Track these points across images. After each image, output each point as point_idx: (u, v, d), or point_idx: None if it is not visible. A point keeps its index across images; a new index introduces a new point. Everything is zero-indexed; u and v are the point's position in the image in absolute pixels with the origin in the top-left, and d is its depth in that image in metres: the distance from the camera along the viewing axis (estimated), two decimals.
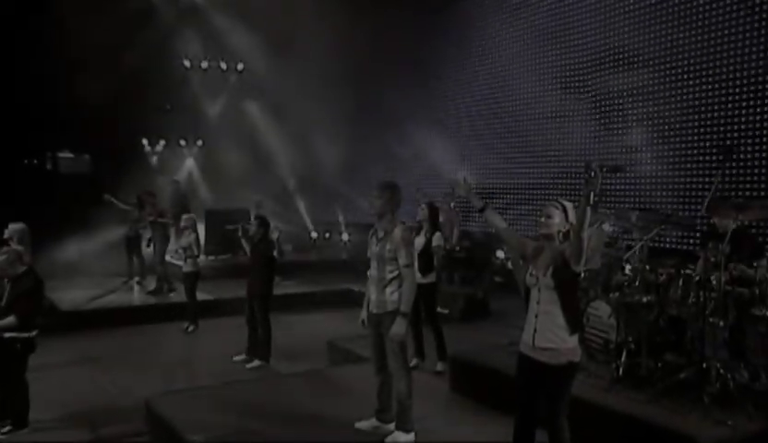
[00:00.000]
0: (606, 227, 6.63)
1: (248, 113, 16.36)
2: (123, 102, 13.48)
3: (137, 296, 11.16)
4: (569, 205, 4.03)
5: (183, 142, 16.79)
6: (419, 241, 6.82)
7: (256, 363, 7.59)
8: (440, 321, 6.94)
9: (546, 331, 3.88)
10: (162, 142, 16.62)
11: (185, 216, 9.68)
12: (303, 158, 15.40)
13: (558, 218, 3.98)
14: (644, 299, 5.46)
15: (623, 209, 6.91)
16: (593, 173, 3.62)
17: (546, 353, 3.87)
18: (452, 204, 9.00)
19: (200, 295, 9.67)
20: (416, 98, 13.60)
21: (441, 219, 7.27)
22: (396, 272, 4.86)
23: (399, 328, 4.76)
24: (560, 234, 3.98)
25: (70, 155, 15.98)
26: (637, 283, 5.63)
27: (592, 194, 3.64)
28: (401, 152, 13.44)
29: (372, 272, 5.00)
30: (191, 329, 9.30)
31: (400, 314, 4.78)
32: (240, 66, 16.47)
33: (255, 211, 11.26)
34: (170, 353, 8.34)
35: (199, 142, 16.92)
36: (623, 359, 5.37)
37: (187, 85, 15.90)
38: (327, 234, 16.25)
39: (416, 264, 6.61)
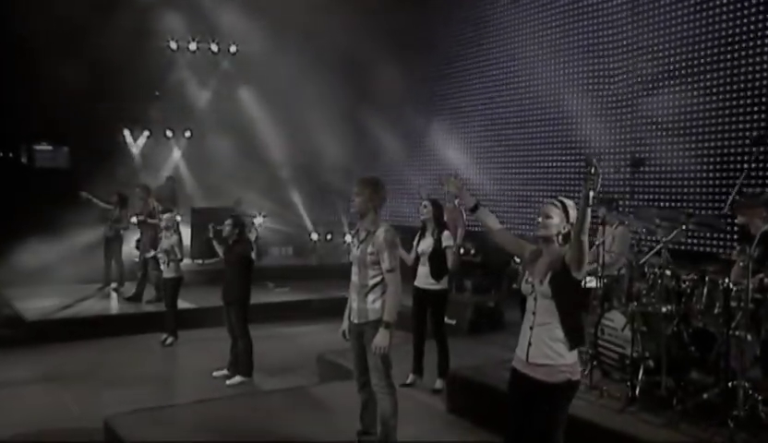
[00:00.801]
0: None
1: (242, 101, 16.30)
2: (103, 90, 13.60)
3: (113, 305, 11.22)
4: (570, 203, 3.99)
5: (169, 133, 16.76)
6: (427, 242, 6.83)
7: (237, 379, 7.63)
8: (447, 333, 6.93)
9: (542, 345, 3.84)
10: (146, 133, 16.61)
11: (165, 215, 9.60)
12: (301, 150, 15.42)
13: (557, 218, 3.94)
14: (664, 309, 5.41)
15: (644, 208, 6.85)
16: (592, 170, 3.59)
17: (540, 370, 3.84)
18: (456, 202, 8.98)
19: (182, 304, 9.73)
20: (424, 85, 13.61)
21: (445, 218, 7.25)
22: (379, 278, 4.88)
23: (382, 339, 4.78)
24: (560, 237, 3.95)
25: (48, 147, 16.07)
26: (656, 291, 5.58)
27: (591, 193, 3.61)
28: (403, 147, 13.46)
29: (353, 278, 5.03)
30: (170, 341, 9.34)
31: (383, 324, 4.79)
32: (233, 48, 16.35)
33: (236, 209, 11.31)
34: (144, 368, 8.38)
35: (187, 133, 16.94)
36: (640, 377, 5.34)
37: (174, 69, 15.90)
38: (329, 236, 16.29)
39: (426, 268, 6.70)
